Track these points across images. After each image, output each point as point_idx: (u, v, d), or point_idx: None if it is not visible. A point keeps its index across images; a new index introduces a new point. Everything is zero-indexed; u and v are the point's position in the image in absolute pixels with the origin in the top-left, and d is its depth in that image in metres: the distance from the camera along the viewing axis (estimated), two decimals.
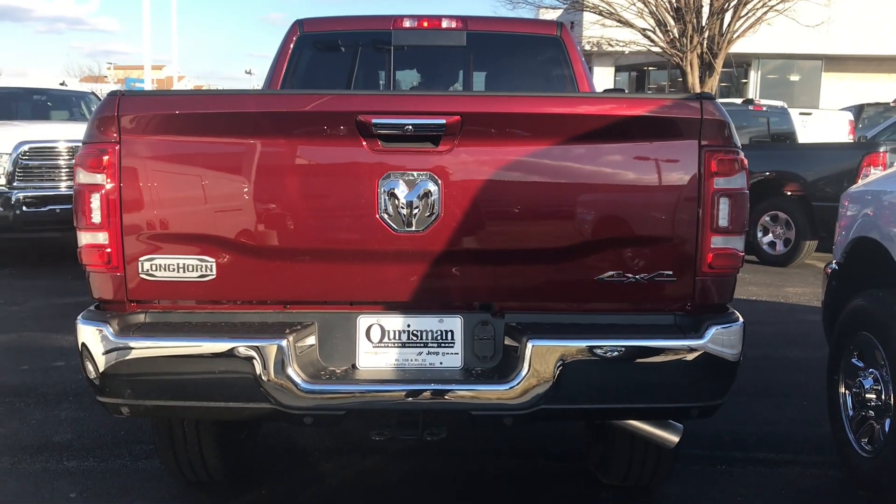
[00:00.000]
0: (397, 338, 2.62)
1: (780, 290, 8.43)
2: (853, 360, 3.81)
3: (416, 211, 2.50)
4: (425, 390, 2.51)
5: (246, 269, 2.59)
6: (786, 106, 12.70)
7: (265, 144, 2.52)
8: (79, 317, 2.61)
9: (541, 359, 2.49)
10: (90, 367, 2.58)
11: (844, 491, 3.70)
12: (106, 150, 2.52)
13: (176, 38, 28.86)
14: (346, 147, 2.50)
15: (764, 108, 11.93)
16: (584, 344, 2.51)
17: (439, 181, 2.49)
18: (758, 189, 10.06)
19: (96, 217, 2.55)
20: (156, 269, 2.58)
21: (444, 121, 2.44)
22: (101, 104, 2.56)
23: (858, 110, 16.94)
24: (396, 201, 2.50)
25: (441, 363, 2.61)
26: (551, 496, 3.59)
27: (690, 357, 2.53)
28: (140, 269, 2.58)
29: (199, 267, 2.57)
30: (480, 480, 3.72)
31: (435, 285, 2.60)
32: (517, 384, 2.49)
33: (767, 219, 10.08)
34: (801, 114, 14.42)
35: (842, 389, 3.87)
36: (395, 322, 2.62)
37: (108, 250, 2.57)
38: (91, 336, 2.54)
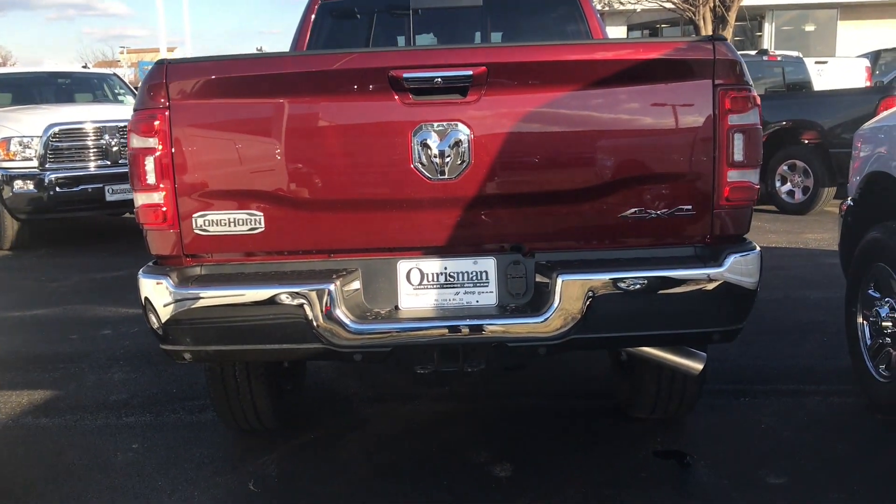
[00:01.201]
0: (435, 280, 2.81)
1: (800, 237, 8.55)
2: (870, 292, 3.96)
3: (447, 160, 2.68)
4: (464, 325, 2.70)
5: (292, 221, 2.78)
6: (801, 56, 12.68)
7: (303, 103, 2.70)
8: (140, 272, 2.81)
9: (570, 292, 2.67)
10: (153, 318, 2.79)
11: (863, 415, 3.87)
12: (156, 116, 2.70)
13: (188, 19, 28.95)
14: (380, 102, 2.67)
15: (779, 58, 11.93)
16: (609, 276, 2.68)
17: (469, 130, 2.66)
18: (774, 138, 10.15)
19: (151, 178, 2.74)
20: (208, 225, 2.77)
21: (470, 72, 2.61)
22: (150, 72, 2.74)
23: (875, 57, 16.82)
24: (429, 151, 2.67)
25: (477, 301, 2.80)
26: (585, 430, 3.79)
27: (711, 285, 2.70)
28: (194, 225, 2.77)
29: (248, 221, 2.76)
30: (516, 419, 3.93)
31: (468, 229, 2.78)
32: (549, 316, 2.68)
33: (785, 168, 10.15)
34: (816, 63, 14.37)
35: (859, 320, 4.03)
36: (432, 265, 2.80)
37: (164, 209, 2.77)
38: (153, 289, 2.75)
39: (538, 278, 2.78)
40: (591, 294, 2.66)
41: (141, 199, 2.79)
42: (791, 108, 10.19)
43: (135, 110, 2.76)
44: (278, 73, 2.71)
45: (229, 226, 2.77)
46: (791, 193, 10.17)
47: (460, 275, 2.81)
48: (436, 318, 2.74)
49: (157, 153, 2.72)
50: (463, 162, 2.69)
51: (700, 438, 3.69)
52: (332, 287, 2.68)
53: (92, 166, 8.87)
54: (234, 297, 2.72)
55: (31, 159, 8.68)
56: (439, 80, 2.62)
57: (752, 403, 4.05)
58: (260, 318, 2.73)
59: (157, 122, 2.71)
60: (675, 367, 3.17)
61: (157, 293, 2.74)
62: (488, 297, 2.80)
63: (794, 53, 12.89)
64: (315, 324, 2.69)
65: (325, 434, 3.82)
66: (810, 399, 4.07)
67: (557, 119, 2.69)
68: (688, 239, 2.80)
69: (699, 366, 3.14)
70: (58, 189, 8.73)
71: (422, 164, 2.69)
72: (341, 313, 2.69)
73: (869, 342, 3.97)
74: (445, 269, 2.80)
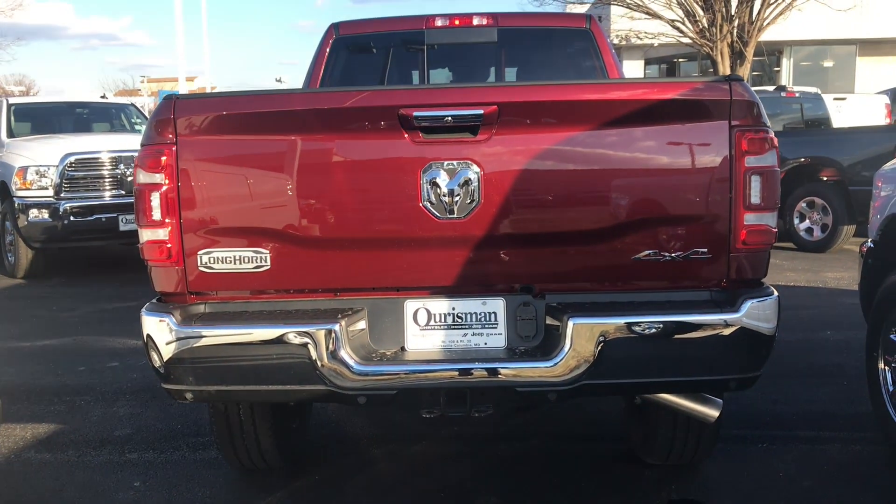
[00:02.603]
0: (443, 320, 2.74)
1: (819, 276, 8.42)
2: (892, 336, 3.85)
3: (457, 199, 2.62)
4: (472, 369, 2.62)
5: (298, 260, 2.73)
6: (819, 92, 12.62)
7: (312, 140, 2.66)
8: (143, 309, 2.76)
9: (582, 336, 2.59)
10: (155, 356, 2.73)
11: (888, 464, 3.74)
12: (163, 151, 2.67)
13: (207, 49, 29.34)
14: (389, 140, 2.62)
15: (797, 95, 11.88)
16: (623, 320, 2.60)
17: (479, 169, 2.61)
18: (793, 175, 10.06)
19: (156, 214, 2.70)
20: (214, 262, 2.72)
21: (481, 111, 2.56)
22: (158, 108, 2.71)
23: (894, 93, 16.72)
24: (438, 190, 2.62)
25: (486, 343, 2.73)
26: (596, 476, 3.69)
27: (727, 331, 2.61)
28: (199, 263, 2.73)
29: (254, 258, 2.71)
30: (525, 462, 3.83)
31: (477, 269, 2.72)
32: (560, 361, 2.60)
33: (804, 205, 10.04)
34: (835, 99, 14.30)
35: (881, 365, 3.91)
36: (440, 305, 2.74)
37: (169, 245, 2.72)
38: (155, 326, 2.69)
39: (549, 321, 2.70)
40: (602, 338, 2.59)
41: (146, 234, 2.75)
42: (810, 145, 10.11)
43: (142, 145, 2.73)
44: (287, 111, 2.67)
45: (235, 263, 2.72)
46: (810, 231, 10.05)
47: (468, 315, 2.74)
48: (443, 361, 2.67)
49: (163, 189, 2.69)
50: (473, 201, 2.63)
51: (717, 487, 3.58)
52: (336, 327, 2.62)
53: (107, 196, 8.90)
54: (236, 336, 2.66)
55: (46, 188, 8.73)
56: (449, 118, 2.57)
57: (769, 450, 3.93)
58: (263, 359, 2.67)
59: (163, 158, 2.68)
60: (690, 413, 3.07)
61: (160, 331, 2.69)
62: (497, 339, 2.73)
63: (813, 90, 12.83)
64: (319, 364, 2.62)
65: (329, 475, 3.73)
66: (831, 446, 3.95)
67: (570, 159, 2.64)
68: (703, 283, 2.73)
69: (715, 413, 3.04)
70: (72, 218, 8.75)
71: (431, 202, 2.63)
72: (346, 354, 2.63)
73: (892, 388, 3.85)
74: (453, 309, 2.74)
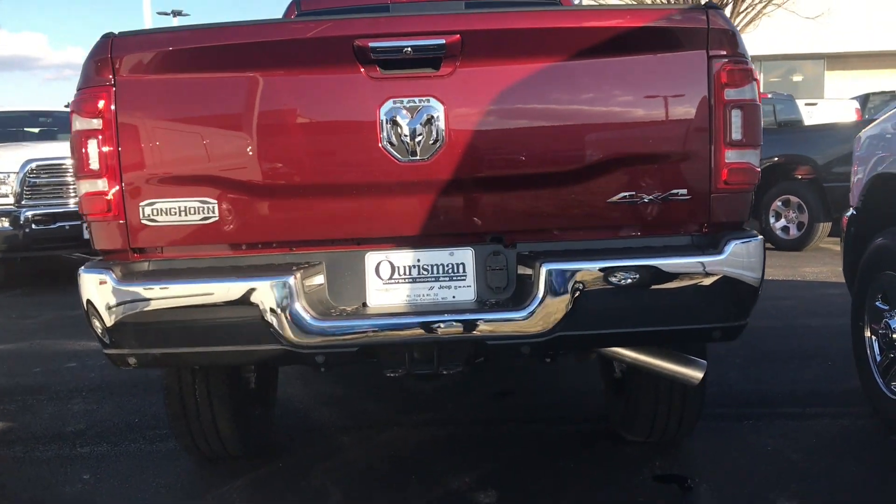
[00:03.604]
0: (407, 273, 2.55)
1: (798, 271, 8.31)
2: (877, 304, 3.71)
3: (419, 139, 2.44)
4: (439, 322, 2.43)
5: (248, 209, 2.53)
6: (791, 95, 12.63)
7: (261, 77, 2.47)
8: (80, 269, 2.55)
9: (556, 283, 2.41)
10: (94, 319, 2.52)
11: (877, 437, 3.58)
12: (100, 94, 2.48)
13: None
14: (344, 75, 2.45)
15: (770, 96, 11.86)
16: (599, 265, 2.43)
17: (442, 106, 2.43)
18: (767, 174, 9.98)
19: (94, 164, 2.50)
20: (157, 214, 2.52)
21: (443, 41, 2.39)
22: (94, 47, 2.52)
23: (864, 100, 16.82)
24: (399, 130, 2.44)
25: (454, 297, 2.54)
26: (577, 455, 3.49)
27: (710, 275, 2.44)
28: (141, 215, 2.53)
29: (200, 209, 2.51)
30: (503, 445, 3.62)
31: (443, 217, 2.54)
32: (533, 310, 2.42)
33: (779, 203, 9.96)
34: (806, 104, 14.33)
35: (867, 334, 3.77)
36: (404, 257, 2.55)
37: (108, 197, 2.52)
38: (93, 285, 2.49)
39: (520, 270, 2.52)
40: (578, 286, 2.41)
41: (84, 186, 2.55)
42: (783, 144, 10.04)
43: (78, 89, 2.53)
44: (233, 45, 2.49)
45: (180, 215, 2.52)
46: (786, 229, 9.96)
47: (435, 267, 2.55)
48: (408, 314, 2.48)
49: (102, 136, 2.49)
50: (436, 141, 2.45)
51: (701, 462, 3.39)
52: (290, 280, 2.42)
53: (70, 203, 8.61)
54: (182, 292, 2.45)
55: (7, 196, 8.44)
56: (409, 49, 2.40)
57: (755, 426, 3.75)
58: (211, 317, 2.46)
59: (101, 102, 2.48)
60: (673, 376, 2.90)
61: (99, 290, 2.48)
62: (466, 291, 2.54)
63: (785, 93, 12.84)
64: (272, 321, 2.42)
65: (295, 462, 3.51)
66: (818, 422, 3.78)
67: (539, 94, 2.47)
68: (683, 227, 2.56)
69: (699, 374, 2.87)
70: (34, 226, 8.47)
71: (391, 143, 2.45)
72: (301, 310, 2.42)
73: (878, 358, 3.70)
74: (418, 261, 2.55)
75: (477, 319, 2.45)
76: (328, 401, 4.39)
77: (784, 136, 10.25)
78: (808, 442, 3.54)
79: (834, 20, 23.02)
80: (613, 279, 2.42)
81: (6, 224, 8.43)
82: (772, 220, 10.02)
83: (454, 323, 2.44)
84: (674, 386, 3.28)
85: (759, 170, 2.57)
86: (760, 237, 2.52)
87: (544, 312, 2.41)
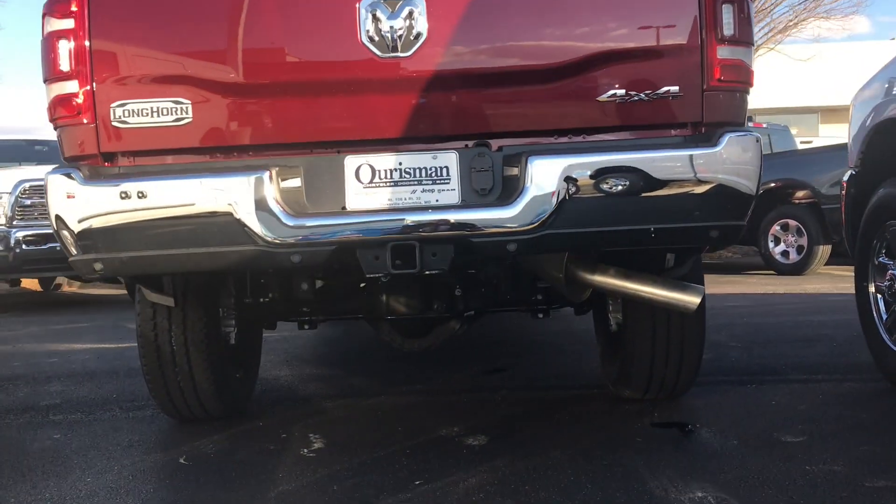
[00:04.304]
0: (388, 177, 2.43)
1: (799, 287, 8.17)
2: (881, 259, 3.59)
3: (400, 32, 2.36)
4: (422, 217, 2.33)
5: (223, 110, 2.44)
6: (787, 126, 12.66)
7: None
8: (46, 173, 2.44)
9: (544, 176, 2.31)
10: (60, 224, 2.40)
11: (886, 395, 3.41)
12: None
13: None
14: None
15: (765, 126, 11.86)
16: (590, 159, 2.33)
17: None
18: (765, 199, 9.94)
19: (64, 64, 2.42)
20: (128, 116, 2.42)
21: None
22: None
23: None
24: (379, 24, 2.36)
25: (437, 200, 2.42)
26: (572, 412, 3.32)
27: (706, 168, 2.34)
28: (112, 117, 2.43)
29: (173, 110, 2.42)
30: (496, 407, 3.45)
31: (426, 118, 2.44)
32: (520, 205, 2.31)
33: (778, 228, 9.87)
34: (801, 143, 14.37)
35: (871, 290, 3.63)
36: (385, 161, 2.44)
37: (79, 100, 2.43)
38: (58, 185, 2.38)
39: (507, 171, 2.41)
40: (567, 179, 2.30)
41: (53, 90, 2.46)
42: (778, 168, 9.98)
43: None
44: None
45: (152, 116, 2.42)
46: (786, 254, 9.84)
47: (417, 171, 2.43)
48: (389, 212, 2.36)
49: (74, 36, 2.41)
50: (417, 36, 2.37)
51: (703, 413, 3.23)
52: (265, 176, 2.32)
53: None
54: (150, 189, 2.34)
55: None
56: None
57: (759, 389, 3.59)
58: (181, 216, 2.35)
59: (73, 3, 2.40)
60: (669, 303, 2.77)
61: (63, 188, 2.37)
62: (450, 195, 2.42)
63: (781, 124, 12.86)
64: (245, 220, 2.30)
65: (276, 422, 3.34)
66: (825, 385, 3.62)
67: None
68: (677, 126, 2.46)
69: (695, 299, 2.74)
70: (24, 247, 8.35)
71: (371, 38, 2.37)
72: (276, 206, 2.32)
73: (884, 315, 3.56)
74: (400, 164, 2.44)
75: (461, 215, 2.34)
76: (314, 378, 4.24)
77: (780, 161, 10.22)
78: (815, 398, 3.38)
79: (827, 73, 23.39)
80: (605, 174, 2.32)
81: None
82: (771, 244, 9.91)
83: (437, 219, 2.33)
84: (671, 335, 3.14)
85: (752, 71, 2.48)
86: (757, 135, 2.42)
87: (532, 207, 2.30)
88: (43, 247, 8.44)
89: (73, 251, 2.42)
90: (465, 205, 2.40)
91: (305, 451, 2.89)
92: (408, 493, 2.39)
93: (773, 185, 9.90)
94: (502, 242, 2.33)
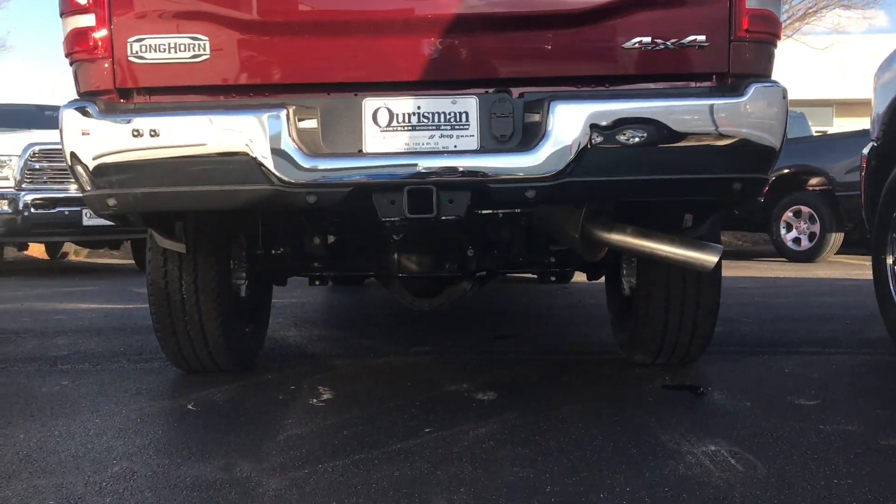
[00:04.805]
0: (406, 121, 2.40)
1: (810, 273, 8.12)
2: None
3: None
4: (440, 161, 2.30)
5: (241, 48, 2.41)
6: (803, 113, 12.55)
7: None
8: (61, 107, 2.41)
9: (566, 123, 2.27)
10: (74, 159, 2.37)
11: None
12: None
13: None
14: None
15: None
16: (614, 106, 2.29)
17: None
18: (778, 185, 9.89)
19: None
20: (145, 51, 2.39)
21: None
22: None
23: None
24: None
25: (455, 146, 2.38)
26: (583, 374, 3.29)
27: (731, 119, 2.29)
28: (129, 52, 2.39)
29: (191, 46, 2.38)
30: (505, 367, 3.42)
31: (446, 61, 2.40)
32: (540, 151, 2.27)
33: (790, 215, 9.81)
34: (816, 133, 14.25)
35: (889, 261, 3.59)
36: (404, 104, 2.40)
37: (95, 34, 2.40)
38: (73, 119, 2.35)
39: (528, 118, 2.37)
40: (590, 127, 2.26)
41: (70, 23, 2.43)
42: (792, 154, 9.86)
43: None
44: None
45: (169, 52, 2.39)
46: (797, 241, 9.78)
47: (436, 115, 2.39)
48: (406, 155, 2.33)
49: None
50: None
51: (714, 378, 3.19)
52: (282, 114, 2.29)
53: (71, 188, 8.49)
54: (166, 125, 2.31)
55: (7, 179, 8.35)
56: None
57: (771, 359, 3.56)
58: (196, 153, 2.32)
59: None
60: (687, 261, 2.73)
61: (78, 122, 2.34)
62: (469, 141, 2.39)
63: (797, 110, 12.75)
64: (261, 158, 2.28)
65: (286, 376, 3.31)
66: (836, 357, 3.59)
67: None
68: (701, 78, 2.42)
69: (713, 258, 2.70)
70: (33, 210, 8.35)
71: None
72: (292, 146, 2.28)
73: None
74: (419, 108, 2.40)
75: (480, 160, 2.31)
76: (323, 339, 4.22)
77: (795, 147, 10.11)
78: (828, 368, 3.35)
79: (843, 66, 23.21)
80: (629, 122, 2.28)
81: (5, 207, 8.32)
82: (783, 231, 9.86)
83: (455, 164, 2.30)
84: (686, 299, 3.11)
85: (780, 23, 2.43)
86: (784, 87, 2.37)
87: (552, 154, 2.26)
88: (51, 211, 8.46)
89: (87, 187, 2.39)
90: (483, 150, 2.36)
91: (314, 401, 2.88)
92: (417, 440, 2.37)
93: (786, 171, 9.83)
94: (521, 189, 2.29)
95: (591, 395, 2.92)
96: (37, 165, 8.43)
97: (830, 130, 15.54)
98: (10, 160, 8.38)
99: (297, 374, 3.31)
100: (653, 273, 3.09)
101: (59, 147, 8.49)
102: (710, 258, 2.70)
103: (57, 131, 8.01)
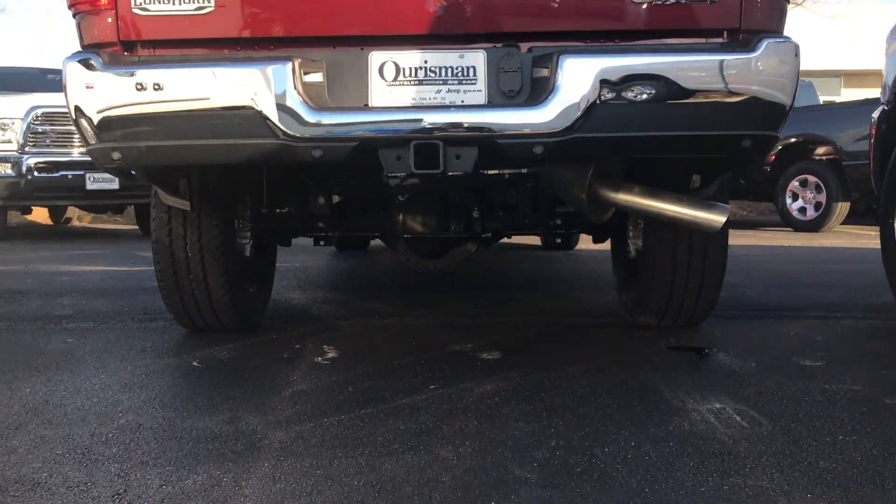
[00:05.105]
0: (413, 75, 2.37)
1: (815, 242, 8.10)
2: None
3: None
4: (446, 116, 2.27)
5: (245, 0, 2.37)
6: (811, 82, 12.44)
7: None
8: (64, 59, 2.39)
9: (575, 77, 2.24)
10: (78, 112, 2.35)
11: None
12: None
13: None
14: None
15: None
16: (624, 60, 2.26)
17: None
18: (784, 155, 9.84)
19: None
20: (149, 3, 2.36)
21: None
22: None
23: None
24: None
25: (462, 101, 2.36)
26: (587, 335, 3.29)
27: (742, 74, 2.26)
28: (133, 3, 2.36)
29: None
30: (510, 330, 3.41)
31: (453, 15, 2.37)
32: (548, 106, 2.24)
33: (796, 184, 9.75)
34: (825, 103, 14.14)
35: None
36: (410, 58, 2.37)
37: None
38: (76, 71, 2.32)
39: (536, 73, 2.34)
40: (600, 82, 2.23)
41: None
42: (800, 123, 9.81)
43: None
44: None
45: (173, 4, 2.36)
46: (803, 210, 9.74)
47: (443, 70, 2.37)
48: (413, 109, 2.31)
49: None
50: None
51: (720, 340, 3.19)
52: (287, 68, 2.26)
53: (74, 152, 8.48)
54: (171, 77, 2.29)
55: (10, 142, 8.31)
56: None
57: (777, 322, 3.56)
58: (201, 106, 2.29)
59: None
60: (694, 221, 2.71)
61: (82, 76, 2.31)
62: (476, 95, 2.36)
63: (806, 80, 12.64)
64: (266, 111, 2.25)
65: (290, 336, 3.31)
66: (842, 321, 3.58)
67: None
68: (713, 34, 2.38)
69: (721, 218, 2.68)
70: (36, 174, 8.32)
71: None
72: (298, 100, 2.26)
73: None
74: (426, 62, 2.37)
75: (487, 115, 2.29)
76: (327, 301, 4.22)
77: (802, 115, 10.02)
78: (833, 332, 3.34)
79: (852, 36, 22.97)
80: (640, 76, 2.25)
81: (9, 170, 8.30)
82: (788, 200, 9.81)
83: (462, 118, 2.28)
84: (692, 260, 3.09)
85: None
86: (796, 42, 2.34)
87: (561, 109, 2.24)
88: (55, 174, 8.44)
89: (91, 140, 2.38)
90: (491, 105, 2.34)
91: (319, 359, 2.88)
92: (423, 395, 2.38)
93: (793, 140, 9.78)
94: (528, 145, 2.27)
95: (596, 355, 2.92)
96: (40, 128, 8.40)
97: (838, 101, 15.41)
98: (13, 123, 8.34)
99: (301, 334, 3.31)
100: (659, 235, 3.07)
101: (63, 110, 8.41)
102: (717, 218, 2.68)
103: (60, 94, 7.91)
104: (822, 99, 14.71)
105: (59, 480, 1.77)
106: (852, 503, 1.61)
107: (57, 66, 10.66)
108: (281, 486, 1.73)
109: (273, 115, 2.26)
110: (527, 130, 2.27)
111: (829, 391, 2.39)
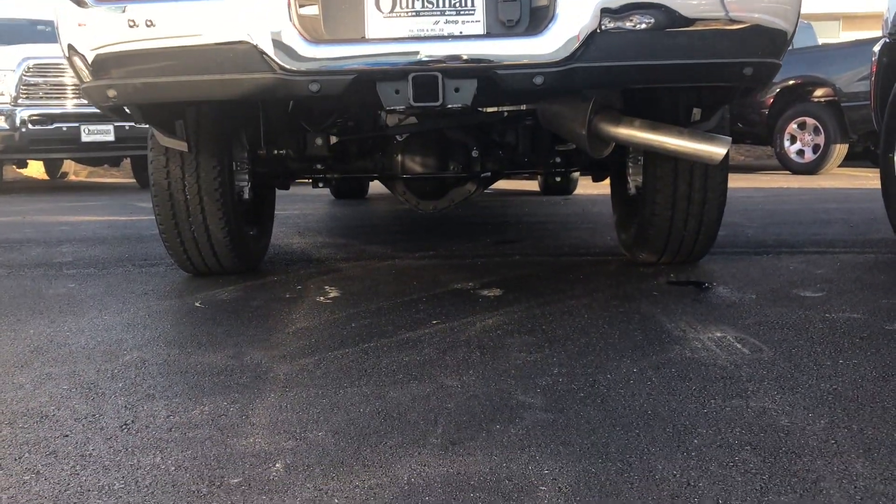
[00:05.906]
0: (410, 6, 2.33)
1: (813, 183, 8.09)
2: None
3: None
4: (445, 47, 2.25)
5: None
6: (810, 24, 12.30)
7: None
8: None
9: (575, 6, 2.21)
10: (71, 50, 2.32)
11: None
12: None
13: None
14: None
15: None
16: None
17: None
18: (782, 97, 9.78)
19: None
20: None
21: None
22: None
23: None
24: None
25: (461, 32, 2.32)
26: (587, 270, 3.30)
27: (743, 1, 2.23)
28: None
29: None
30: (510, 267, 3.42)
31: None
32: (548, 35, 2.22)
33: (794, 127, 9.71)
34: (822, 44, 13.99)
35: None
36: None
37: None
38: (68, 8, 2.29)
39: (535, 2, 2.29)
40: (601, 10, 2.20)
41: None
42: (798, 65, 9.73)
43: None
44: None
45: None
46: (801, 153, 9.71)
47: (441, 0, 2.33)
48: (411, 40, 2.28)
49: None
50: None
51: (720, 274, 3.20)
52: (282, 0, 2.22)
53: (68, 104, 8.42)
54: (161, 12, 2.25)
55: (2, 95, 8.24)
56: None
57: (776, 258, 3.56)
58: (196, 43, 2.26)
59: None
60: (695, 153, 2.69)
61: (73, 13, 2.28)
62: (475, 26, 2.32)
63: (804, 21, 12.50)
64: (262, 45, 2.22)
65: (291, 277, 3.32)
66: (841, 256, 3.59)
67: None
68: None
69: (722, 150, 2.66)
70: (30, 126, 8.27)
71: None
72: (294, 32, 2.23)
73: None
74: None
75: (486, 45, 2.26)
76: (327, 245, 4.22)
77: (800, 57, 9.94)
78: (832, 265, 3.35)
79: None
80: (638, 6, 2.22)
81: (2, 123, 8.26)
82: (786, 143, 9.77)
83: (461, 49, 2.25)
84: (692, 196, 3.09)
85: None
86: None
87: (561, 37, 2.21)
88: (49, 127, 8.39)
89: (86, 78, 2.35)
90: (490, 35, 2.31)
91: (321, 298, 2.89)
92: (426, 330, 2.39)
93: (791, 82, 9.72)
94: (529, 75, 2.24)
95: (597, 290, 2.92)
96: (32, 80, 8.31)
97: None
98: (6, 75, 8.26)
99: (302, 276, 3.32)
100: (659, 170, 3.06)
101: (55, 61, 8.29)
102: (718, 150, 2.66)
103: (51, 45, 7.85)
104: (822, 39, 14.56)
105: (66, 413, 1.79)
106: (853, 421, 1.63)
107: (47, 17, 10.51)
108: (287, 414, 1.75)
109: (269, 48, 2.23)
110: (526, 60, 2.25)
111: (829, 319, 2.41)
